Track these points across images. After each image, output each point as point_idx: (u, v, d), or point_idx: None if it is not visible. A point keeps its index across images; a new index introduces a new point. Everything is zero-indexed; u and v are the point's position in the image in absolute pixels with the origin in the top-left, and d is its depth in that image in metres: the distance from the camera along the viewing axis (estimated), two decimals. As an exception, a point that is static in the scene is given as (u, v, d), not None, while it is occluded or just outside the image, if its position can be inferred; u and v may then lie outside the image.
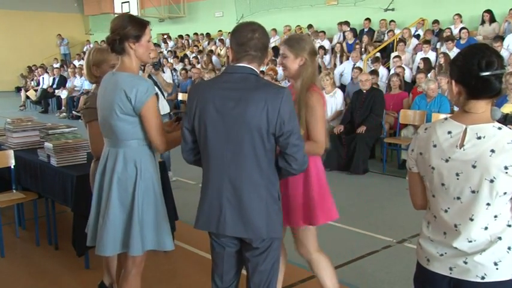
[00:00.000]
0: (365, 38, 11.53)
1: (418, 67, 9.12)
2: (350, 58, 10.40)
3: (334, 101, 7.60)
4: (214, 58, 13.76)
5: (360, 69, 9.14)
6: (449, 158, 1.75)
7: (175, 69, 12.87)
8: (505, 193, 1.69)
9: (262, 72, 10.33)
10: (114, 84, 2.51)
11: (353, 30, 12.29)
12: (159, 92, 5.93)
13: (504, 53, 8.73)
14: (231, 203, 2.20)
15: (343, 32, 12.37)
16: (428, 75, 8.26)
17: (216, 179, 2.22)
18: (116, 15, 18.06)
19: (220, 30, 15.81)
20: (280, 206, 2.29)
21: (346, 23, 12.57)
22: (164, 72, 6.05)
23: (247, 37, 2.15)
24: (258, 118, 2.08)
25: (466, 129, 1.73)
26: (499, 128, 1.70)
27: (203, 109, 2.18)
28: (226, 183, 2.19)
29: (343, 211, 5.33)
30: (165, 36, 18.34)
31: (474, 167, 1.70)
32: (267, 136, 2.11)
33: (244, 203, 2.18)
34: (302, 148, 2.19)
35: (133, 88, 2.44)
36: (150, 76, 6.37)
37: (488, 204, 1.71)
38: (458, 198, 1.75)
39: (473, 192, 1.72)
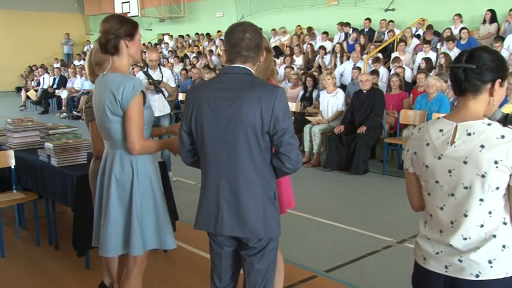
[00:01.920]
0: (362, 38, 11.53)
1: (419, 67, 9.11)
2: (351, 58, 10.41)
3: (336, 101, 7.59)
4: (214, 58, 13.77)
5: (359, 69, 9.15)
6: (442, 155, 1.78)
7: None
8: (497, 188, 1.71)
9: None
10: (104, 86, 2.51)
11: (356, 30, 12.30)
12: (147, 92, 5.87)
13: (504, 53, 8.72)
14: (228, 203, 2.21)
15: (346, 32, 12.38)
16: (430, 75, 8.26)
17: (213, 179, 2.24)
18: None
19: (219, 31, 15.82)
20: (276, 206, 2.29)
21: (348, 24, 12.58)
22: (160, 92, 5.93)
23: (238, 38, 2.17)
24: (252, 117, 2.10)
25: (456, 126, 1.77)
26: (489, 124, 1.73)
27: (199, 110, 2.22)
28: (223, 183, 2.21)
29: (343, 211, 5.37)
30: (165, 36, 18.35)
31: (465, 163, 1.72)
32: (262, 135, 2.13)
33: (240, 203, 2.20)
34: (296, 147, 2.19)
35: (120, 86, 2.44)
36: (147, 73, 6.32)
37: (481, 199, 1.72)
38: (453, 194, 1.78)
39: (466, 188, 1.74)
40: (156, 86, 5.99)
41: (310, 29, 13.49)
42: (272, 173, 2.25)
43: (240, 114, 2.11)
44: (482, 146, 1.69)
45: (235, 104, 2.13)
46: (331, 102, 7.60)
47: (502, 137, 1.69)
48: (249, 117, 2.10)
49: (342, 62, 10.93)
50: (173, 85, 6.74)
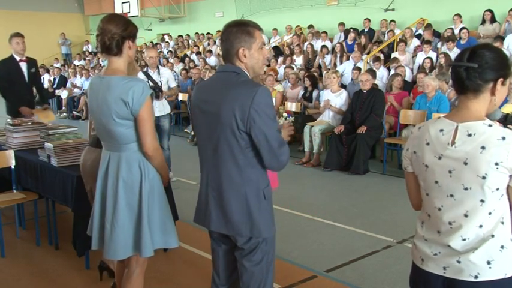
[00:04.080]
0: (363, 38, 11.53)
1: (422, 66, 9.08)
2: (351, 58, 10.41)
3: (339, 101, 7.56)
4: (214, 58, 13.77)
5: (359, 69, 9.14)
6: (442, 155, 1.77)
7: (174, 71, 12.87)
8: (497, 189, 1.70)
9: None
10: (106, 89, 2.47)
11: (355, 30, 12.30)
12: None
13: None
14: (215, 200, 2.27)
15: (345, 33, 12.38)
16: (430, 75, 8.26)
17: (203, 176, 2.33)
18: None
19: (219, 31, 15.81)
20: (266, 205, 2.28)
21: (348, 29, 12.55)
22: (159, 99, 6.07)
23: (222, 38, 2.26)
24: (229, 117, 2.13)
25: (457, 126, 1.75)
26: (490, 125, 1.72)
27: (193, 110, 2.33)
28: (210, 180, 2.29)
29: (343, 211, 5.37)
30: (166, 36, 18.36)
31: (466, 164, 1.71)
32: (240, 134, 2.14)
33: (224, 201, 2.24)
34: (275, 149, 2.17)
35: (129, 91, 2.42)
36: (147, 73, 6.33)
37: (482, 200, 1.72)
38: (452, 195, 1.77)
39: (466, 189, 1.73)
40: (156, 92, 6.03)
41: (311, 26, 13.45)
42: (259, 171, 2.24)
43: (219, 114, 2.15)
44: (482, 148, 1.68)
45: (216, 104, 2.18)
46: (334, 101, 7.58)
47: (503, 138, 1.67)
48: (226, 118, 2.13)
49: (341, 62, 10.94)
50: (174, 85, 6.74)
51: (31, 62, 6.13)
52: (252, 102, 2.10)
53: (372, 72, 8.50)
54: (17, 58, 5.97)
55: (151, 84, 6.26)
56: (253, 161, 2.21)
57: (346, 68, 10.28)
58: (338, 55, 11.29)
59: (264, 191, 2.27)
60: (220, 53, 11.47)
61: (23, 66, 6.01)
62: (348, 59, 10.66)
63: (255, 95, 2.10)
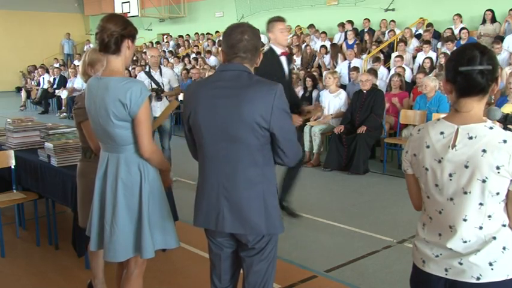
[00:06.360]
0: (367, 36, 11.52)
1: (422, 67, 9.08)
2: (347, 57, 10.41)
3: (339, 102, 7.55)
4: (214, 58, 13.77)
5: (356, 69, 9.13)
6: (442, 158, 1.75)
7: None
8: (497, 193, 1.69)
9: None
10: (104, 90, 2.45)
11: (354, 29, 12.30)
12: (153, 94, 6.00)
13: (504, 53, 8.72)
14: (229, 201, 2.21)
15: (345, 32, 12.39)
16: (430, 75, 8.26)
17: (212, 177, 2.24)
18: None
19: (218, 31, 15.80)
20: (277, 201, 2.29)
21: (350, 22, 12.58)
22: (160, 100, 6.11)
23: (236, 39, 2.17)
24: (251, 115, 2.09)
25: (457, 129, 1.73)
26: (491, 128, 1.70)
27: (195, 109, 2.21)
28: (222, 181, 2.21)
29: (343, 211, 5.37)
30: (166, 36, 18.37)
31: (466, 167, 1.70)
32: (261, 131, 2.13)
33: (241, 200, 2.19)
34: (295, 143, 2.23)
35: (127, 92, 2.40)
36: (149, 73, 6.33)
37: (481, 204, 1.70)
38: (452, 199, 1.75)
39: (465, 193, 1.71)
40: (158, 93, 6.04)
41: (311, 26, 13.46)
42: (273, 168, 2.26)
43: (239, 112, 2.10)
44: (484, 151, 1.66)
45: (233, 102, 2.12)
46: (333, 102, 7.59)
47: (504, 141, 1.65)
48: (248, 115, 2.09)
49: (337, 63, 10.94)
50: (176, 85, 6.74)
51: (290, 57, 4.85)
52: (274, 100, 2.10)
53: (372, 72, 8.49)
54: (278, 51, 4.65)
55: (153, 84, 6.27)
56: (268, 158, 2.22)
57: (342, 68, 10.28)
58: (333, 55, 11.28)
59: (276, 186, 2.29)
60: (220, 52, 11.29)
61: (283, 61, 4.69)
62: (346, 59, 10.67)
63: (276, 93, 2.11)
